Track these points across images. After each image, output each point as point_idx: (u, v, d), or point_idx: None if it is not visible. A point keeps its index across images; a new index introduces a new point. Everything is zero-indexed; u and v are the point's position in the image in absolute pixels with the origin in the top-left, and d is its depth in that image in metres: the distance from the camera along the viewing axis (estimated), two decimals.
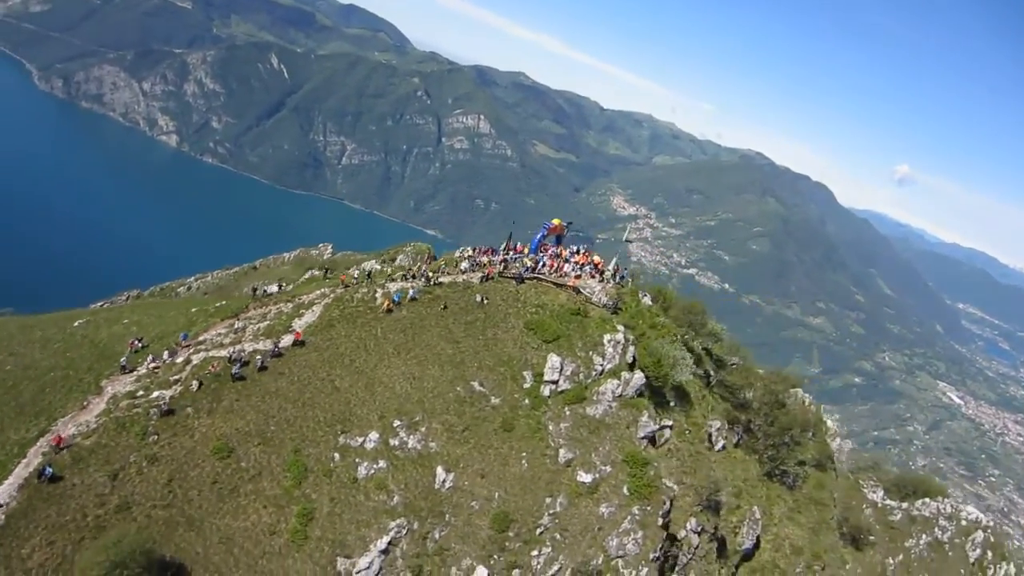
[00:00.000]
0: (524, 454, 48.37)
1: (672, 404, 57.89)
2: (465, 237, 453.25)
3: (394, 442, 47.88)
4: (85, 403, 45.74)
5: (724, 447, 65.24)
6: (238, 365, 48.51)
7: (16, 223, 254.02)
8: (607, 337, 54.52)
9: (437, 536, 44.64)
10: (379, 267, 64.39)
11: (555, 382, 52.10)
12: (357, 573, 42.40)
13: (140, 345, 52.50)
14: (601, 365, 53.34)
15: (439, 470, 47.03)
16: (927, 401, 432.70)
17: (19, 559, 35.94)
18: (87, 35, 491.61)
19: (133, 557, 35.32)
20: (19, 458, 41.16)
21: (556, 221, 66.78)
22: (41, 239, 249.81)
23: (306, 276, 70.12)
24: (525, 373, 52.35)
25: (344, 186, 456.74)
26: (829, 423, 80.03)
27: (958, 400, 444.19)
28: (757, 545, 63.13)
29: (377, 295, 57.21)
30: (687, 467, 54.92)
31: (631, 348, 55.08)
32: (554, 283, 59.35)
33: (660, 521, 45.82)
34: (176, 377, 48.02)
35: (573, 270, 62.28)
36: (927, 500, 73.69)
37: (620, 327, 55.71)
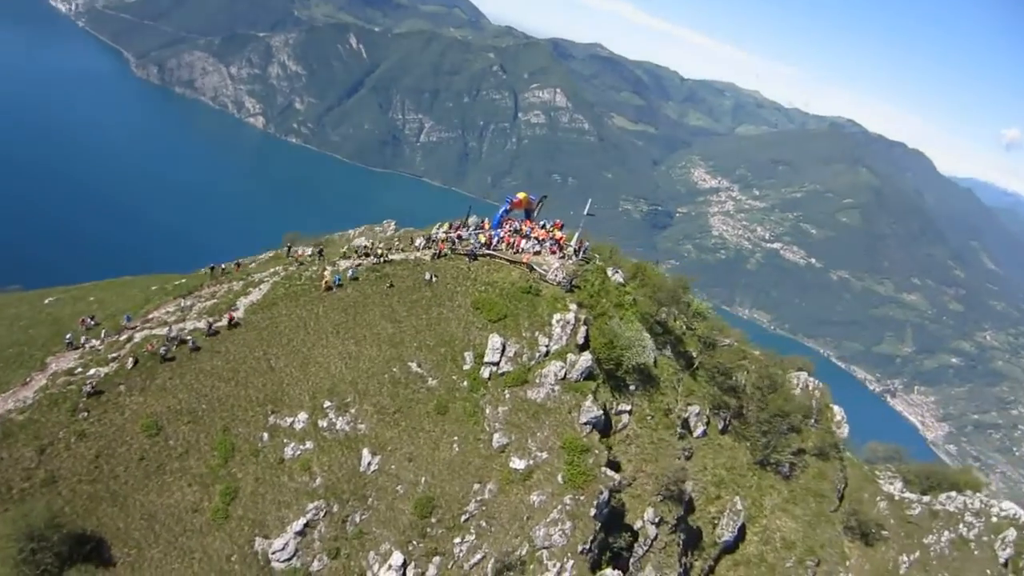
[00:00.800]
0: (456, 438, 46.94)
1: (633, 388, 55.44)
2: (543, 212, 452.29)
3: (323, 423, 46.99)
4: (28, 379, 46.27)
5: (705, 433, 62.74)
6: (175, 343, 48.24)
7: (119, 200, 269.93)
8: (556, 317, 52.13)
9: (358, 519, 43.98)
10: (368, 243, 62.66)
11: (496, 363, 49.94)
12: (273, 553, 42.26)
13: (92, 323, 52.62)
14: (546, 346, 51.01)
15: (365, 452, 46.04)
16: None
17: None
18: (178, 22, 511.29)
19: (46, 530, 35.72)
20: None
21: (521, 195, 64.63)
22: (141, 214, 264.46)
23: (268, 254, 68.24)
24: (466, 354, 50.56)
25: (423, 163, 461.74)
26: (835, 409, 75.05)
27: None
28: (743, 537, 60.38)
29: (326, 273, 55.84)
30: (647, 454, 52.97)
31: (583, 328, 52.50)
32: (508, 260, 57.11)
33: (593, 512, 43.55)
34: (115, 355, 47.73)
35: (531, 246, 59.58)
36: (953, 494, 68.94)
37: (572, 306, 53.25)
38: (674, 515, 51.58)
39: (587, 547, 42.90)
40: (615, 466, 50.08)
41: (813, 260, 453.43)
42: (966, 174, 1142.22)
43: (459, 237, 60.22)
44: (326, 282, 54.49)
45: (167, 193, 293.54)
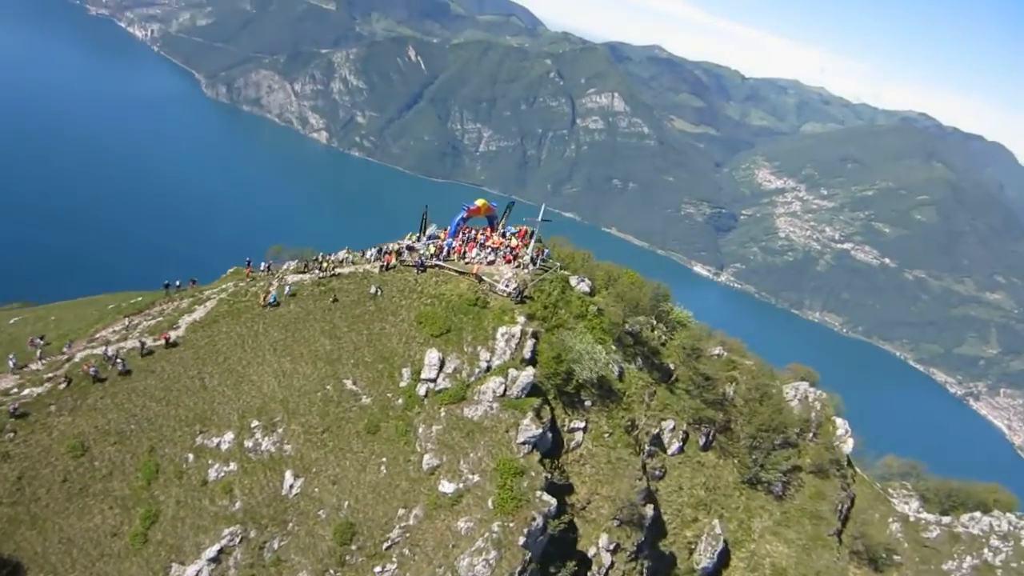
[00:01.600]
0: (385, 459, 44.64)
1: (589, 403, 51.94)
2: (603, 218, 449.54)
3: (248, 444, 45.34)
4: None
5: (682, 450, 59.11)
6: (110, 363, 47.14)
7: (187, 213, 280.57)
8: (501, 330, 48.93)
9: (276, 546, 42.26)
10: (347, 256, 60.52)
11: (433, 380, 47.49)
12: None
13: (42, 343, 51.74)
14: (487, 361, 47.97)
15: (288, 475, 44.32)
16: None
17: None
18: (245, 43, 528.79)
19: None
20: None
21: (479, 202, 60.58)
22: (207, 227, 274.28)
23: (230, 269, 66.57)
24: (404, 371, 48.29)
25: (482, 172, 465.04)
26: (839, 422, 69.27)
27: None
28: (726, 563, 56.69)
29: (272, 288, 54.18)
30: (603, 475, 49.38)
31: (530, 342, 49.36)
32: (457, 271, 54.37)
33: (523, 540, 40.29)
34: (51, 375, 46.95)
35: (485, 255, 56.98)
36: (977, 515, 63.73)
37: (520, 318, 50.18)
38: (633, 541, 48.25)
39: None
40: (567, 488, 47.51)
41: (887, 260, 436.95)
42: None
43: (409, 248, 57.93)
44: (263, 299, 53.15)
45: (233, 207, 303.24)
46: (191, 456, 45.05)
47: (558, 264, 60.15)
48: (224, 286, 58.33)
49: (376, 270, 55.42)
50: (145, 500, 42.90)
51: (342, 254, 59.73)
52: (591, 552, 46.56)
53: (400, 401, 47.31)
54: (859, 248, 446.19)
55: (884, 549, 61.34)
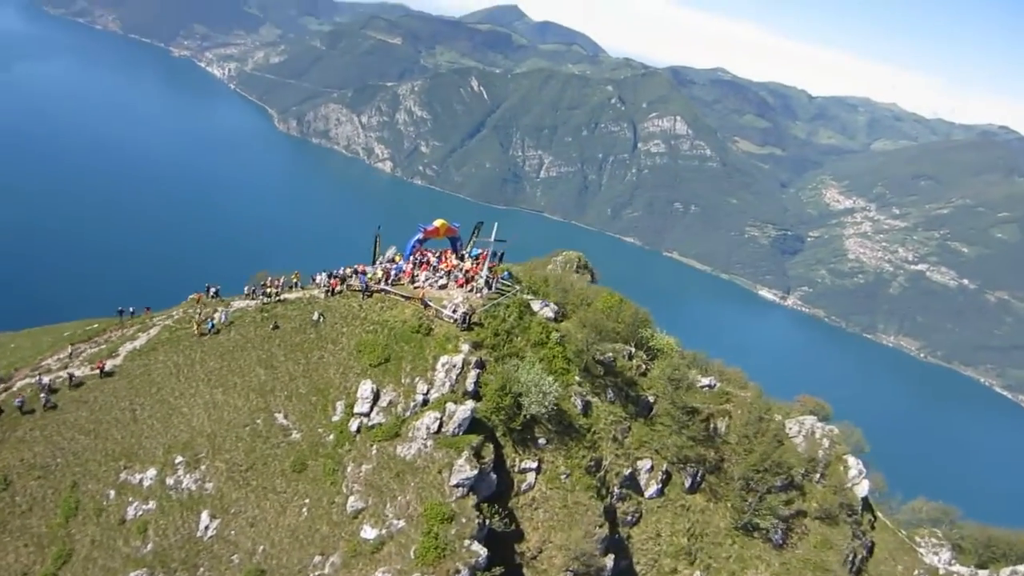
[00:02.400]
0: (307, 500, 41.55)
1: (543, 441, 47.01)
2: (664, 242, 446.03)
3: (170, 481, 43.10)
4: None
5: (662, 492, 53.83)
6: (43, 392, 46.11)
7: (257, 240, 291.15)
8: (442, 360, 45.17)
9: None
10: (296, 281, 58.46)
11: (366, 414, 43.94)
12: None
13: None
14: (424, 394, 44.15)
15: (204, 515, 41.70)
16: None
17: None
18: (316, 78, 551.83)
19: None
20: None
21: (438, 223, 56.21)
22: (273, 255, 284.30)
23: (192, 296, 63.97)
24: (339, 403, 45.00)
25: (543, 198, 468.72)
26: (851, 461, 61.54)
27: None
28: None
29: (215, 315, 52.18)
30: (557, 521, 44.85)
31: (472, 372, 45.25)
32: (403, 296, 51.33)
33: None
34: None
35: (433, 279, 53.74)
36: (1020, 568, 57.30)
37: (464, 346, 46.27)
38: None
39: None
40: (516, 535, 43.50)
41: (965, 281, 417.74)
42: None
43: (356, 272, 54.97)
44: (198, 327, 51.62)
45: (299, 234, 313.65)
46: (112, 493, 43.38)
47: (517, 287, 55.89)
48: (173, 312, 57.14)
49: (322, 296, 53.57)
50: (60, 538, 41.29)
51: (292, 278, 58.07)
52: None
53: (331, 437, 44.04)
54: (935, 269, 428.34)
55: None
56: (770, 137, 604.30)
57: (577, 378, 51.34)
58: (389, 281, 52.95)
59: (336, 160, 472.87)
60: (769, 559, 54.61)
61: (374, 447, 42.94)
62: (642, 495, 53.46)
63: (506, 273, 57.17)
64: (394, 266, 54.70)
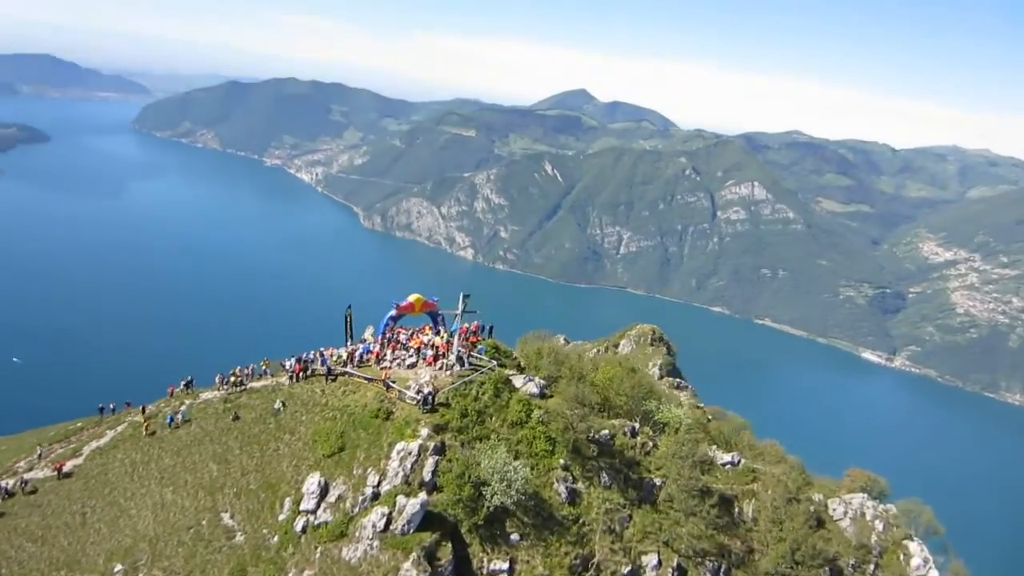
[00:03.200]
0: None
1: (517, 537, 40.86)
2: (754, 309, 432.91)
3: None
4: None
5: None
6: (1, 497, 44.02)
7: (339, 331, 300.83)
8: (398, 446, 40.78)
9: None
10: (264, 368, 55.34)
11: (313, 511, 39.92)
12: None
13: None
14: (375, 487, 39.66)
15: None
16: None
17: None
18: (396, 175, 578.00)
19: None
20: None
21: (413, 297, 53.51)
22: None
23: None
24: (287, 500, 41.17)
25: (625, 274, 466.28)
26: (911, 547, 50.22)
27: None
28: None
29: (183, 407, 50.04)
30: None
31: (430, 460, 40.61)
32: (366, 377, 47.97)
33: None
34: None
35: (401, 357, 50.27)
36: None
37: (423, 431, 41.76)
38: None
39: None
40: None
41: None
42: None
43: (320, 354, 52.62)
44: (147, 424, 49.96)
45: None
46: None
47: (494, 362, 50.91)
48: (144, 407, 55.78)
49: (287, 382, 51.17)
50: None
51: (261, 365, 55.91)
52: None
53: (275, 539, 40.20)
54: None
55: None
56: (855, 194, 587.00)
57: (562, 461, 45.02)
58: (354, 362, 50.23)
59: (420, 251, 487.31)
60: None
61: (319, 549, 38.63)
62: None
63: (481, 347, 52.65)
64: (362, 346, 52.23)
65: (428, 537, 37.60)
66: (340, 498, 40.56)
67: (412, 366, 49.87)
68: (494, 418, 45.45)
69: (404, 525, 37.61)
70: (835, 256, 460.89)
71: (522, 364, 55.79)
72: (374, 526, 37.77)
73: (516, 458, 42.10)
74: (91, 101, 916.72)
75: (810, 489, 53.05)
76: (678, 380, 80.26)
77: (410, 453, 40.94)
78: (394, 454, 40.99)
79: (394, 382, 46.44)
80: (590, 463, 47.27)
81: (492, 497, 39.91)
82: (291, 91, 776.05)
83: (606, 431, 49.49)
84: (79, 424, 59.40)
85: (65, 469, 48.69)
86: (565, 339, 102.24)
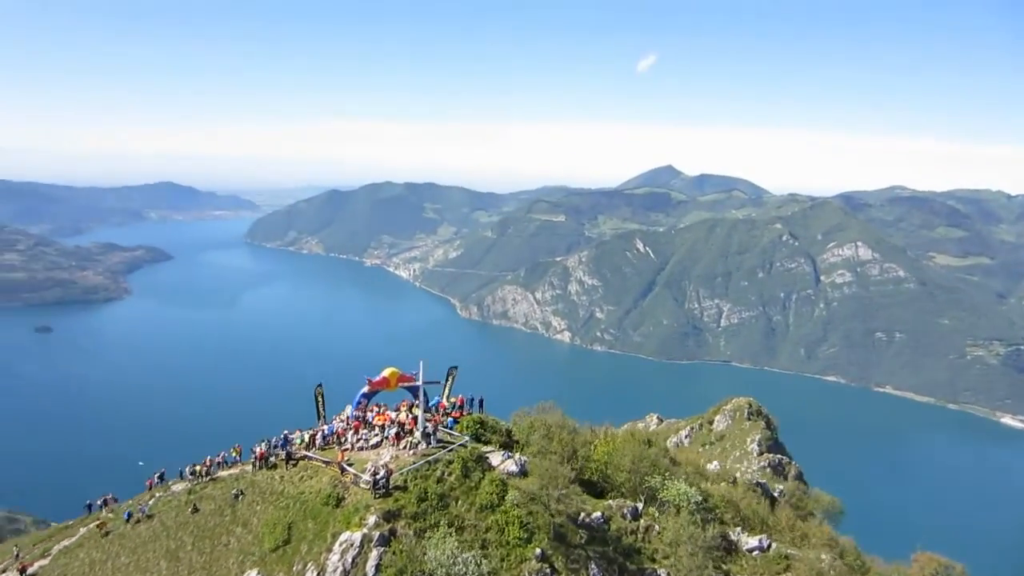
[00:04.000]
0: None
1: None
2: (872, 377, 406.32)
3: None
4: None
5: None
6: None
7: None
8: (342, 538, 36.81)
9: None
10: (234, 456, 52.11)
11: None
12: None
13: None
14: None
15: None
16: None
17: None
18: (490, 265, 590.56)
19: None
20: None
21: (387, 371, 49.39)
22: None
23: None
24: None
25: (728, 347, 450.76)
26: None
27: None
28: None
29: (150, 501, 47.56)
30: None
31: (374, 552, 35.99)
32: (324, 461, 44.41)
33: None
34: None
35: (363, 438, 46.28)
36: None
37: (371, 519, 37.31)
38: None
39: None
40: None
41: None
42: None
43: (285, 439, 49.34)
44: (99, 523, 48.39)
45: (495, 404, 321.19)
46: None
47: (466, 438, 46.36)
48: (123, 504, 54.68)
49: (251, 469, 48.95)
50: None
51: (232, 452, 54.01)
52: None
53: None
54: None
55: None
56: (972, 246, 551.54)
57: (539, 550, 38.08)
58: (317, 444, 47.37)
59: (517, 337, 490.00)
60: None
61: None
62: None
63: (450, 421, 48.72)
64: (327, 427, 49.54)
65: None
66: None
67: (377, 446, 46.22)
68: (460, 502, 40.10)
69: None
70: (958, 314, 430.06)
71: (515, 440, 50.12)
72: None
73: (484, 547, 36.99)
74: (208, 221, 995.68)
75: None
76: (779, 457, 75.05)
77: (352, 545, 36.79)
78: (336, 546, 37.22)
79: (351, 464, 42.81)
80: (576, 552, 40.11)
81: None
82: (386, 194, 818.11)
83: (599, 513, 42.65)
84: (70, 523, 58.89)
85: (30, 571, 47.47)
86: (659, 418, 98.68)
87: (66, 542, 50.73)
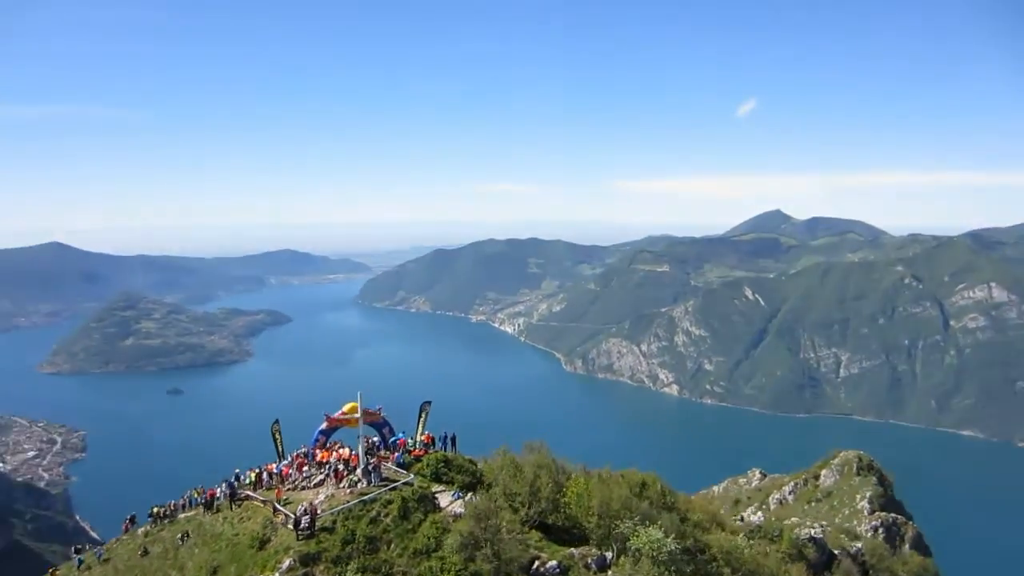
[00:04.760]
0: None
1: None
2: (1017, 431, 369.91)
3: None
4: None
5: None
6: None
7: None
8: None
9: None
10: (196, 498, 49.98)
11: None
12: None
13: None
14: None
15: None
16: None
17: None
18: (594, 318, 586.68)
19: None
20: None
21: (348, 407, 45.92)
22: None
23: None
24: None
25: (848, 399, 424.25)
26: None
27: None
28: None
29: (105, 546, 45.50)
30: None
31: None
32: (262, 501, 41.98)
33: None
34: None
35: (308, 476, 44.05)
36: None
37: (286, 562, 34.02)
38: None
39: None
40: None
41: None
42: None
43: (236, 477, 47.85)
44: (52, 571, 47.26)
45: (598, 460, 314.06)
46: None
47: (411, 477, 42.86)
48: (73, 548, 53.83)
49: (202, 510, 47.61)
50: None
51: (194, 494, 52.30)
52: None
53: None
54: None
55: None
56: None
57: None
58: (263, 483, 45.59)
59: (623, 390, 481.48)
60: None
61: None
62: None
63: (398, 456, 45.72)
64: (275, 465, 47.91)
65: None
66: None
67: (320, 484, 43.89)
68: (393, 545, 36.44)
69: None
70: None
71: (481, 481, 45.24)
72: None
73: None
74: (323, 284, 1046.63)
75: None
76: (894, 516, 68.99)
77: None
78: None
79: (288, 503, 40.70)
80: None
81: None
82: (490, 251, 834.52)
83: (555, 562, 36.72)
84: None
85: None
86: (762, 473, 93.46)
87: None
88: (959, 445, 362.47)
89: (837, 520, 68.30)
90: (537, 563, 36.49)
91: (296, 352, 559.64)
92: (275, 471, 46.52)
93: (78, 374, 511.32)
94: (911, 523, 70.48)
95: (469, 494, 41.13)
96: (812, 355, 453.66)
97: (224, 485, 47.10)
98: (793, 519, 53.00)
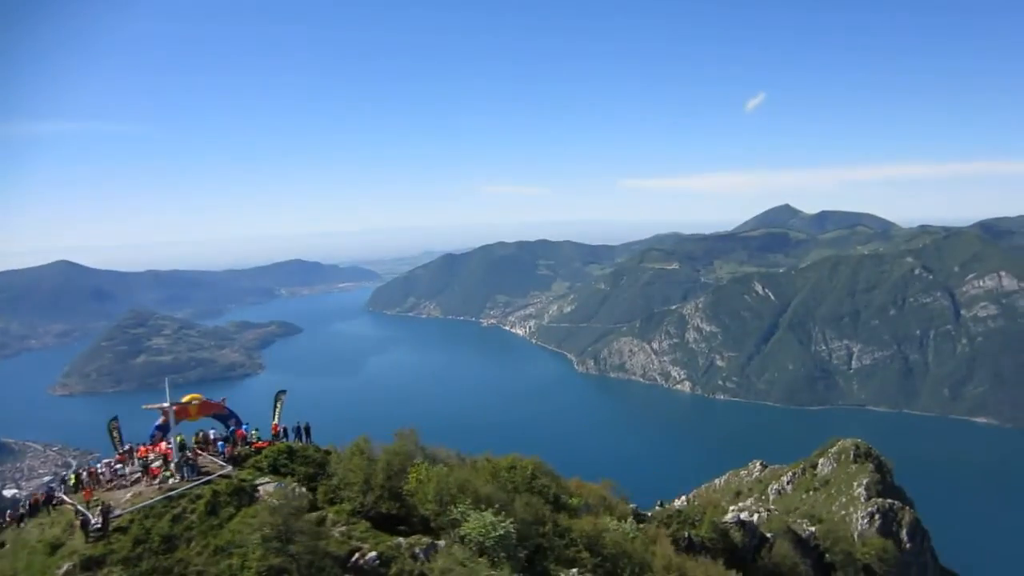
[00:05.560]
0: None
1: None
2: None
3: None
4: None
5: None
6: None
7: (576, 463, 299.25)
8: None
9: None
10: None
11: None
12: None
13: None
14: None
15: None
16: None
17: None
18: (604, 318, 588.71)
19: None
20: None
21: (188, 398, 45.11)
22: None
23: None
24: None
25: (861, 390, 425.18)
26: None
27: None
28: None
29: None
30: None
31: None
32: (72, 504, 38.08)
33: None
34: None
35: (111, 475, 40.70)
36: None
37: (65, 566, 31.67)
38: None
39: None
40: None
41: None
42: None
43: (62, 480, 43.44)
44: None
45: (607, 464, 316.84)
46: None
47: (229, 467, 40.34)
48: None
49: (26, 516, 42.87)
50: None
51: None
52: None
53: None
54: None
55: None
56: None
57: None
58: (83, 483, 41.53)
59: (635, 389, 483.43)
60: None
61: None
62: None
63: (220, 444, 43.51)
64: (98, 464, 44.04)
65: None
66: None
67: (136, 481, 40.55)
68: (195, 543, 33.75)
69: None
70: None
71: (326, 472, 41.70)
72: None
73: None
74: (333, 293, 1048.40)
75: None
76: (891, 502, 72.07)
77: None
78: None
79: (98, 505, 36.93)
80: None
81: None
82: (499, 254, 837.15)
83: (374, 554, 33.42)
84: None
85: None
86: (762, 464, 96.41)
87: None
88: (973, 432, 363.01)
89: (834, 507, 71.22)
90: (357, 555, 33.60)
91: (307, 362, 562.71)
92: (99, 472, 42.32)
93: (90, 394, 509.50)
94: (908, 508, 73.25)
95: (290, 484, 38.21)
96: (824, 348, 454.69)
97: (44, 489, 43.43)
98: (772, 508, 52.80)
